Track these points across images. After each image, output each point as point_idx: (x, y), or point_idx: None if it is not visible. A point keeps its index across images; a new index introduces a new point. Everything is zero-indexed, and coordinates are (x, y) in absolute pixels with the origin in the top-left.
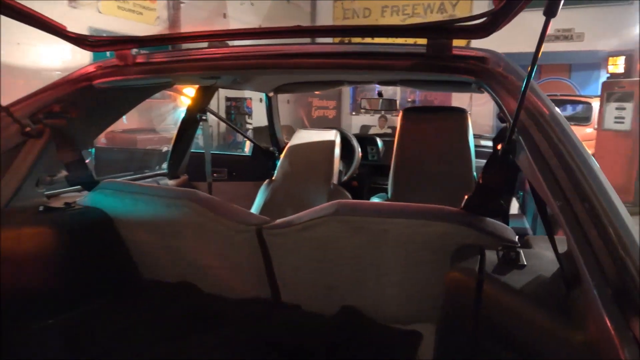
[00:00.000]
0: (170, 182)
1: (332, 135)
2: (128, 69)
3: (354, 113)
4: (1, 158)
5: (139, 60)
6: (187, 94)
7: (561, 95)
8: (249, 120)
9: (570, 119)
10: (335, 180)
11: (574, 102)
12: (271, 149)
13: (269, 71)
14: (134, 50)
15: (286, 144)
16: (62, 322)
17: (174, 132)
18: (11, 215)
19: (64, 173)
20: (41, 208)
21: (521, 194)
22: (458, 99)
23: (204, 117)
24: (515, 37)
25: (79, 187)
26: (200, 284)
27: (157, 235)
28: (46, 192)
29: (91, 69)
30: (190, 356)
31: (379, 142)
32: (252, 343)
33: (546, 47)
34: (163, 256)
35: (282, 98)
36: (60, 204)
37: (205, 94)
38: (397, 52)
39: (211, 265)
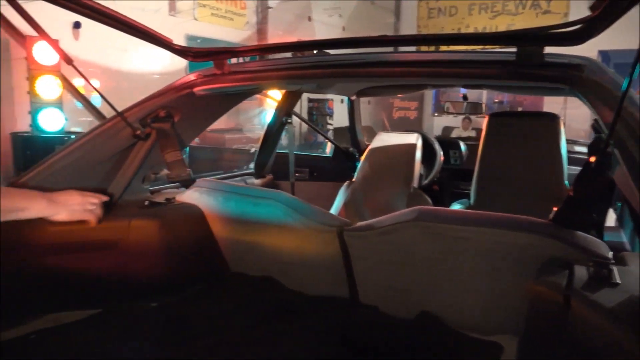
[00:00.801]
0: (257, 181)
1: (414, 138)
2: (224, 77)
3: (436, 114)
4: (116, 158)
5: (234, 69)
6: (273, 96)
7: None
8: (329, 121)
9: None
10: (415, 183)
11: None
12: (351, 150)
13: (352, 79)
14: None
15: (366, 145)
16: (162, 306)
17: (258, 132)
18: (123, 208)
19: (165, 171)
20: (146, 202)
21: (619, 205)
22: (550, 101)
23: (289, 121)
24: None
25: (177, 184)
26: (282, 279)
27: (244, 231)
28: (150, 188)
29: (192, 77)
30: (270, 346)
31: (462, 145)
32: (329, 339)
33: None
34: (249, 251)
35: (363, 99)
36: (162, 199)
37: (291, 98)
38: (485, 60)
39: (293, 262)
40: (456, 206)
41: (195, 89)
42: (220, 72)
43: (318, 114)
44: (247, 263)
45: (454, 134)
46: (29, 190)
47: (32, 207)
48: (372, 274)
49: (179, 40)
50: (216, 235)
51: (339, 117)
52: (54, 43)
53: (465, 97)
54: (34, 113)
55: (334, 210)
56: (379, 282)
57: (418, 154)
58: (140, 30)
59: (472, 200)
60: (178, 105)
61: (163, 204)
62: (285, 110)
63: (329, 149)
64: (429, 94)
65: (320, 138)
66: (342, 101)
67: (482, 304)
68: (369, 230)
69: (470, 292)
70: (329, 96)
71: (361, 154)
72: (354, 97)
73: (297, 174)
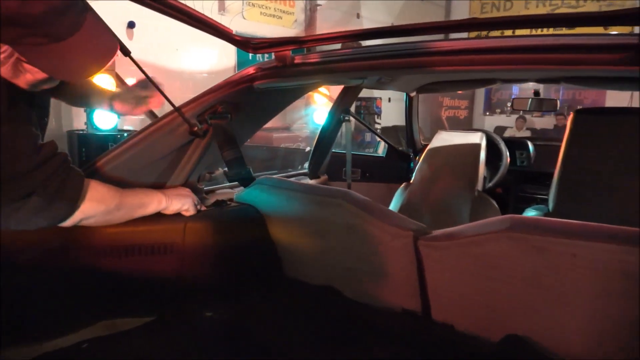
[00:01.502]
0: (311, 182)
1: (478, 137)
2: (286, 70)
3: (487, 113)
4: (172, 156)
5: (297, 61)
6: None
7: None
8: (377, 120)
9: None
10: (480, 186)
11: None
12: (404, 150)
13: (432, 69)
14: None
15: (423, 145)
16: (218, 315)
17: (306, 131)
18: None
19: (220, 170)
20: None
21: None
22: (613, 98)
23: (346, 118)
24: None
25: (232, 183)
26: (345, 288)
27: (306, 233)
28: (205, 188)
29: (251, 70)
30: None
31: (530, 146)
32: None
33: None
34: (310, 256)
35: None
36: (218, 199)
37: (350, 94)
38: (598, 45)
39: (359, 269)
40: (531, 213)
41: (255, 83)
42: (282, 65)
43: (366, 113)
44: (308, 268)
45: (506, 134)
46: (146, 188)
47: (151, 202)
48: (450, 288)
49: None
50: (275, 238)
51: (386, 116)
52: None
53: (537, 93)
54: (89, 111)
55: None
56: (456, 297)
57: (483, 155)
58: (202, 21)
59: (550, 207)
60: (236, 100)
61: (220, 205)
62: (343, 107)
63: (381, 148)
64: (480, 92)
65: (368, 137)
66: (389, 100)
67: (591, 331)
68: (450, 240)
69: (576, 316)
70: (376, 94)
71: (416, 154)
72: (413, 94)
73: None
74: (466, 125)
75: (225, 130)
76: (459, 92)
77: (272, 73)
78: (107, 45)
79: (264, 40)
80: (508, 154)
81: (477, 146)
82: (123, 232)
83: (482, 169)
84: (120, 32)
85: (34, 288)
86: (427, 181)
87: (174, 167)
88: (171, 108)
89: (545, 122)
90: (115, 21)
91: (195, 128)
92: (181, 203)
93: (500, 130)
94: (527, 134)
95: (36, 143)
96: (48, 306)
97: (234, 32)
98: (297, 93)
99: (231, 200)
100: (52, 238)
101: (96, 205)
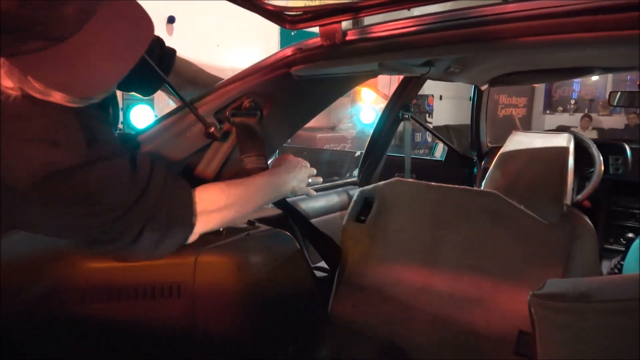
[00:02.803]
0: None
1: (564, 140)
2: (335, 49)
3: (547, 112)
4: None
5: (349, 37)
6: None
7: None
8: (429, 119)
9: None
10: (568, 200)
11: None
12: (469, 153)
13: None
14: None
15: (489, 148)
16: None
17: (353, 132)
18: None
19: None
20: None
21: None
22: None
23: (406, 115)
24: None
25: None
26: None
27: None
28: None
29: (289, 52)
30: None
31: (628, 150)
32: None
33: None
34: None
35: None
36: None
37: (411, 87)
38: None
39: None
40: None
41: (294, 69)
42: (330, 43)
43: (417, 111)
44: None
45: None
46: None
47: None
48: None
49: (273, 32)
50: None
51: (437, 114)
52: None
53: None
54: (125, 110)
55: None
56: None
57: (571, 161)
58: None
59: None
60: (268, 91)
61: (243, 231)
62: (402, 103)
63: (439, 151)
64: (540, 89)
65: (418, 138)
66: (440, 98)
67: None
68: (583, 303)
69: None
70: (427, 91)
71: (481, 159)
72: (484, 87)
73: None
74: (524, 125)
75: (252, 131)
76: (513, 88)
77: (317, 55)
78: (131, 40)
79: (306, 9)
80: (602, 159)
81: (563, 150)
82: (112, 269)
83: (571, 179)
84: (160, 27)
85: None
86: (502, 192)
87: (187, 178)
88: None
89: (614, 121)
90: (154, 17)
91: (212, 128)
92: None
93: (563, 130)
94: (594, 134)
95: (128, 169)
96: None
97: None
98: (348, 83)
99: (256, 224)
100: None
101: (212, 216)
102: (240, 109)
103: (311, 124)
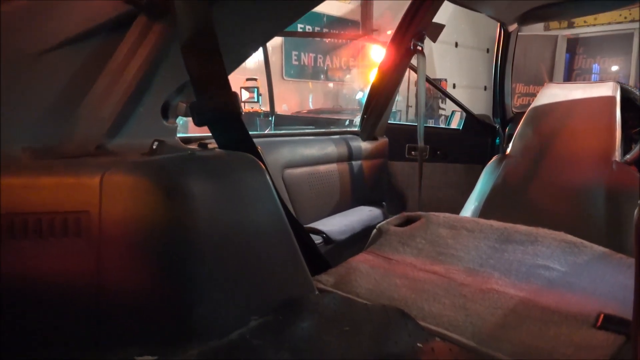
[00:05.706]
0: (365, 144)
1: (609, 89)
2: None
3: None
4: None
5: None
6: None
7: None
8: (442, 105)
9: None
10: (618, 156)
11: None
12: (491, 121)
13: None
14: None
15: (514, 114)
16: None
17: (359, 114)
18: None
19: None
20: (155, 146)
21: None
22: None
23: (419, 47)
24: None
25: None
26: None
27: None
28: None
29: None
30: None
31: None
32: None
33: None
34: None
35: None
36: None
37: (423, 12)
38: None
39: None
40: None
41: None
42: None
43: (428, 96)
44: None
45: None
46: None
47: None
48: None
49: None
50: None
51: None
52: None
53: None
54: None
55: (477, 198)
56: None
57: (618, 112)
58: None
59: None
60: None
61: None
62: (414, 31)
63: (455, 120)
64: (558, 78)
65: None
66: (454, 86)
67: None
68: None
69: None
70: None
71: (505, 126)
72: (513, 27)
73: (412, 152)
74: None
75: (199, 13)
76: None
77: None
78: None
79: None
80: None
81: (610, 100)
82: None
83: (619, 132)
84: None
85: None
86: (534, 152)
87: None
88: None
89: None
90: None
91: None
92: None
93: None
94: None
95: None
96: None
97: None
98: None
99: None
100: None
101: None
102: None
103: (317, 106)
